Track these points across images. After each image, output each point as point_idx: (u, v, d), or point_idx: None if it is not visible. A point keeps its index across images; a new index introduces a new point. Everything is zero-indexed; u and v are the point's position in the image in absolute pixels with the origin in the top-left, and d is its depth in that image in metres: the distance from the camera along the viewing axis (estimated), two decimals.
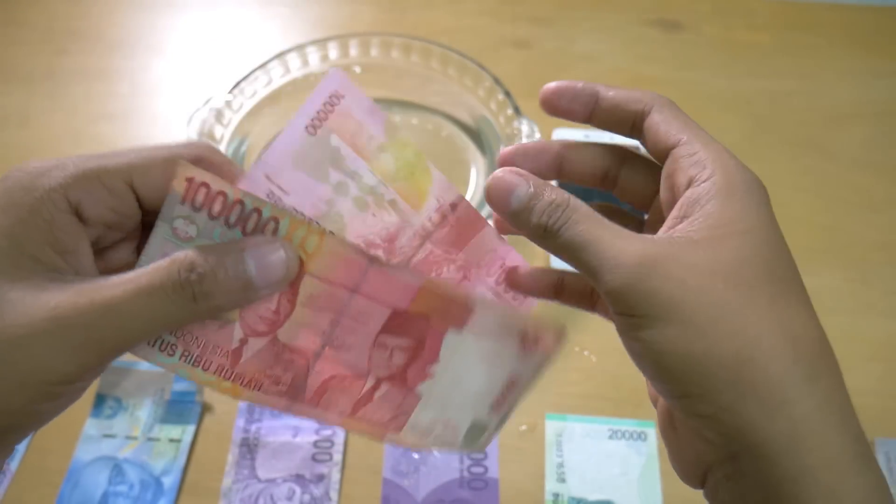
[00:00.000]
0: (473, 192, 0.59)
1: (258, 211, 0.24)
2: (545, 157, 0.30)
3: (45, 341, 0.21)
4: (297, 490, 0.47)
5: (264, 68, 0.61)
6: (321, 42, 0.62)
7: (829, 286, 0.57)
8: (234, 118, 0.59)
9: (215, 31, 0.76)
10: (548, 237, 0.26)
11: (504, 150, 0.30)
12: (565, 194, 0.26)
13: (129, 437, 0.48)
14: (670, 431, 0.27)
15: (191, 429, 0.49)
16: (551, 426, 0.49)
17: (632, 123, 0.28)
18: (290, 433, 0.49)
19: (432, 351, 0.29)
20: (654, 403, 0.30)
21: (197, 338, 0.26)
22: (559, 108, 0.29)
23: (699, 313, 0.23)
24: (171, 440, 0.48)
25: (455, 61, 0.61)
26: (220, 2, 0.79)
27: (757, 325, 0.23)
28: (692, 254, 0.24)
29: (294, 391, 0.27)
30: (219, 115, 0.58)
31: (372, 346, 0.28)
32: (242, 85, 0.59)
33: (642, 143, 0.28)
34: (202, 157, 0.26)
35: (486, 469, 0.47)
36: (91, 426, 0.49)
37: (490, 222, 0.31)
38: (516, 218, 0.26)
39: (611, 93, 0.28)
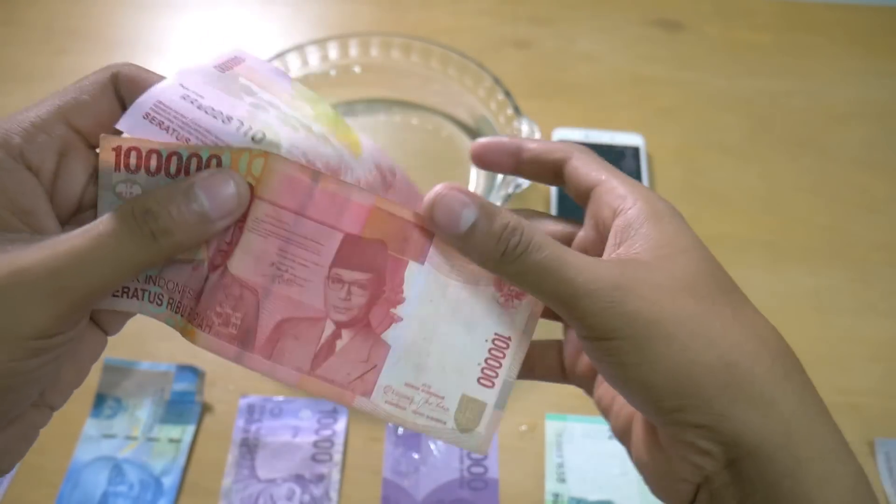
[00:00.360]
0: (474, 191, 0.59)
1: (196, 156, 0.24)
2: (506, 150, 0.30)
3: (11, 296, 0.21)
4: (297, 490, 0.46)
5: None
6: (321, 42, 0.62)
7: (829, 286, 0.57)
8: None
9: (215, 31, 0.76)
10: (505, 262, 0.24)
11: (475, 144, 0.31)
12: (517, 216, 0.25)
13: (128, 438, 0.48)
14: (655, 455, 0.27)
15: (191, 429, 0.49)
16: (551, 426, 0.49)
17: (553, 172, 0.29)
18: (290, 433, 0.49)
19: (395, 288, 0.26)
20: (623, 438, 0.29)
21: (177, 284, 0.26)
22: (487, 161, 0.30)
23: (678, 328, 0.24)
24: (171, 440, 0.48)
25: (455, 61, 0.61)
26: (220, 2, 0.79)
27: (730, 332, 0.24)
28: (653, 274, 0.24)
29: (244, 335, 0.26)
30: None
31: (326, 280, 0.26)
32: None
33: (566, 190, 0.29)
34: (121, 74, 0.25)
35: (486, 469, 0.47)
36: (91, 426, 0.49)
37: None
38: (466, 241, 0.25)
39: (532, 145, 0.30)
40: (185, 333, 0.26)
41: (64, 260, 0.22)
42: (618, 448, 0.48)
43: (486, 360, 0.27)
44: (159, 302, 0.26)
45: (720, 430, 0.23)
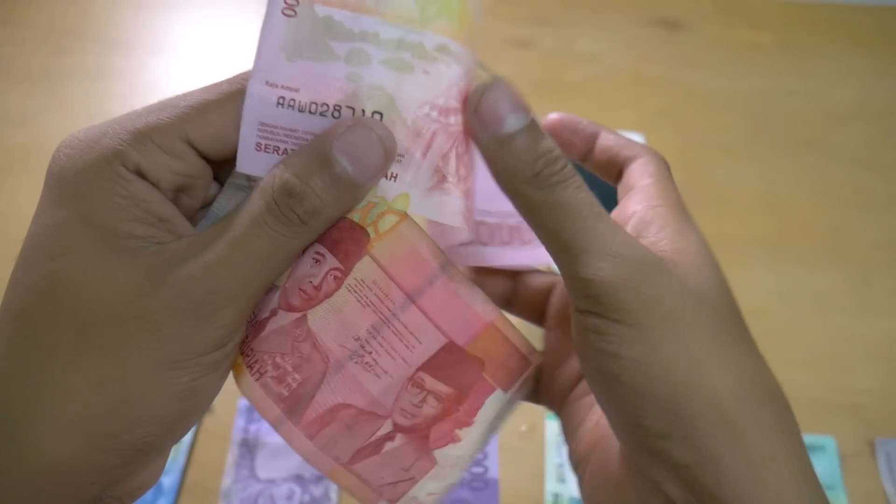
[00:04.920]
0: None
1: None
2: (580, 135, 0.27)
3: (181, 318, 0.20)
4: (297, 490, 0.46)
5: None
6: None
7: (829, 286, 0.57)
8: None
9: (214, 31, 0.76)
10: (537, 186, 0.21)
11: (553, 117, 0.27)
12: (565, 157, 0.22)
13: None
14: (610, 491, 0.23)
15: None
16: (551, 426, 0.49)
17: (619, 172, 0.26)
18: None
19: (470, 410, 0.23)
20: (578, 467, 0.25)
21: None
22: (558, 139, 0.26)
23: (700, 338, 0.20)
24: None
25: None
26: (220, 2, 0.79)
27: (750, 363, 0.21)
28: (682, 274, 0.21)
29: (294, 402, 0.23)
30: None
31: (407, 382, 0.23)
32: None
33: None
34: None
35: (486, 469, 0.47)
36: None
37: None
38: (501, 146, 0.21)
39: (609, 138, 0.26)
40: (234, 364, 0.23)
41: (217, 272, 0.20)
42: None
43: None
44: None
45: (700, 478, 0.19)
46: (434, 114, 0.22)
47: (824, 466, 0.47)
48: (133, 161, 0.20)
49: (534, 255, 0.28)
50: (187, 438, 0.48)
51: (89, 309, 0.20)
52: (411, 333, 0.22)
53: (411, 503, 0.24)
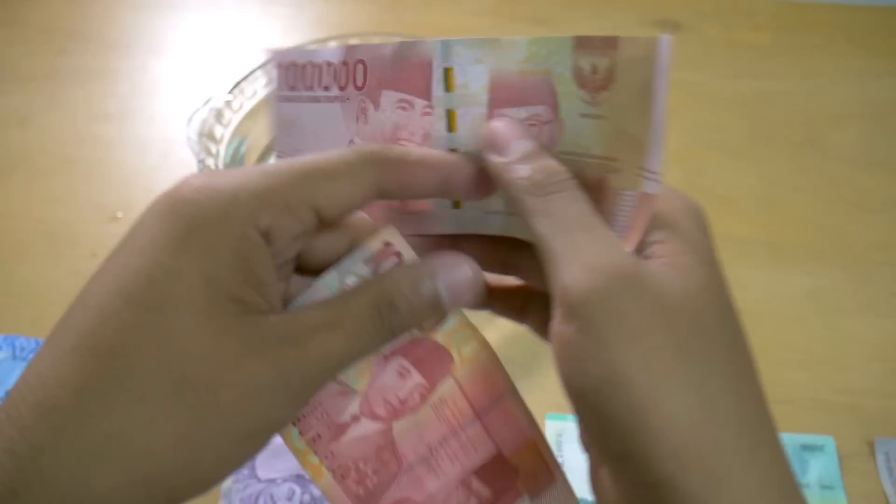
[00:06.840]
0: None
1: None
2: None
3: (269, 395, 0.21)
4: (297, 490, 0.46)
5: (264, 68, 0.60)
6: (321, 42, 0.62)
7: (829, 286, 0.57)
8: (233, 118, 0.59)
9: (215, 31, 0.76)
10: (534, 193, 0.22)
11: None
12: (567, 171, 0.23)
13: None
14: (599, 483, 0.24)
15: None
16: (551, 426, 0.49)
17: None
18: None
19: None
20: (586, 449, 0.26)
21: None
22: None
23: (664, 359, 0.20)
24: None
25: None
26: (220, 2, 0.79)
27: (713, 382, 0.21)
28: (665, 281, 0.21)
29: (367, 498, 0.25)
30: (218, 115, 0.58)
31: (459, 484, 0.26)
32: (242, 85, 0.59)
33: None
34: (386, 158, 0.23)
35: None
36: None
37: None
38: (507, 165, 0.23)
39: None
40: (306, 465, 0.25)
41: (315, 361, 0.22)
42: None
43: None
44: None
45: (662, 497, 0.20)
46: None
47: (823, 466, 0.47)
48: (265, 225, 0.21)
49: None
50: None
51: (191, 367, 0.20)
52: (472, 444, 0.26)
53: None
